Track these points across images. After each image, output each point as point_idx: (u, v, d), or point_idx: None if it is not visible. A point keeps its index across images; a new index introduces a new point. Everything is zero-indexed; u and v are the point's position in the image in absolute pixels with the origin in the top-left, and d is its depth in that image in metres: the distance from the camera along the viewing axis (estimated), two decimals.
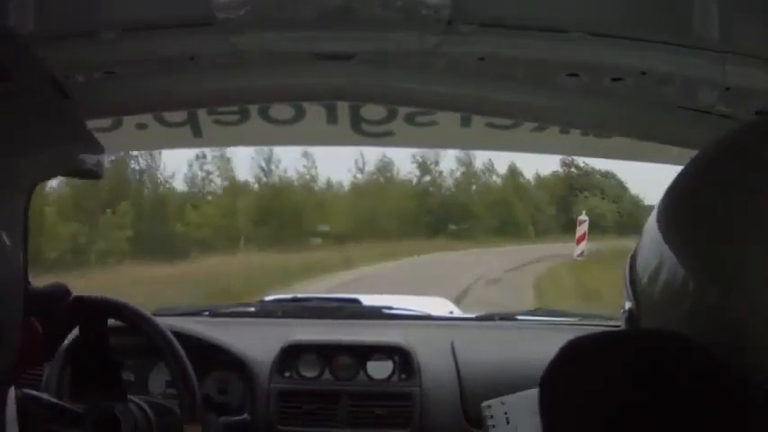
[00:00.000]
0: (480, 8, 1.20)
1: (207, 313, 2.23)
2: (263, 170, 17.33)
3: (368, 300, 2.40)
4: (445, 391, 1.93)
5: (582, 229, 13.59)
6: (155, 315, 1.70)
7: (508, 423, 1.16)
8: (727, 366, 0.56)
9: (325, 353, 1.96)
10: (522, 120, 1.70)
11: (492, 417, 1.22)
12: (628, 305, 0.72)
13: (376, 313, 2.29)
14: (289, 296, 2.55)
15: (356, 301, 2.37)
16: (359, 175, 18.32)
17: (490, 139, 1.88)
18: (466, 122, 1.80)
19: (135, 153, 13.91)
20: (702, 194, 0.65)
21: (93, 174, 0.86)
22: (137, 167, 15.50)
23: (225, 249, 14.01)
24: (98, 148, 0.84)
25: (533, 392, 0.60)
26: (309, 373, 1.95)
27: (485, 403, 1.25)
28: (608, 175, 18.17)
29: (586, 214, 14.23)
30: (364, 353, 1.96)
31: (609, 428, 0.56)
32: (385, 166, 18.08)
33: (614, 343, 0.62)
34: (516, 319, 2.32)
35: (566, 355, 0.61)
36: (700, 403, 0.55)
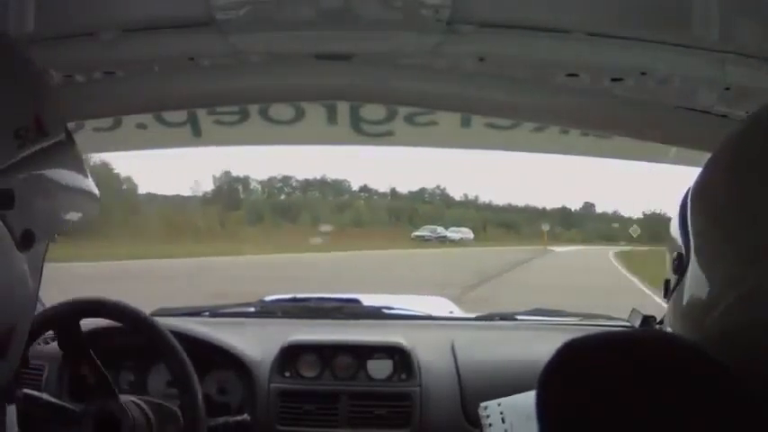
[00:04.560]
0: (480, 8, 1.20)
1: (207, 313, 2.23)
2: None
3: (368, 300, 2.40)
4: (445, 391, 1.93)
5: None
6: (154, 315, 1.70)
7: (503, 422, 1.17)
8: (724, 365, 0.56)
9: (325, 353, 1.96)
10: (522, 120, 1.69)
11: (488, 416, 1.23)
12: (673, 255, 0.70)
13: (376, 313, 2.29)
14: (288, 296, 2.54)
15: (356, 301, 2.37)
16: None
17: (490, 139, 1.88)
18: (466, 122, 1.80)
19: None
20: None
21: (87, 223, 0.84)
22: None
23: None
24: (95, 196, 0.83)
25: (529, 395, 0.60)
26: (309, 374, 1.94)
27: (482, 404, 1.26)
28: None
29: None
30: (364, 353, 1.96)
31: (607, 429, 0.56)
32: None
33: (611, 344, 0.62)
34: (516, 319, 2.32)
35: (563, 356, 0.61)
36: (697, 403, 0.55)
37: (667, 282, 0.73)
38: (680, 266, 0.68)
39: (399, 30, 1.23)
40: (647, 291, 13.79)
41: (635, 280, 16.88)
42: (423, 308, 2.44)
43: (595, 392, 0.57)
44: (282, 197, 35.88)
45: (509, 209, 40.20)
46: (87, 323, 1.87)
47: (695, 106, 1.32)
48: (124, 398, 1.57)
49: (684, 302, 0.67)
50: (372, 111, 1.79)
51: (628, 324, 2.11)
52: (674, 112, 1.35)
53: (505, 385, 1.47)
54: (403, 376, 1.94)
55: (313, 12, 1.19)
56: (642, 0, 1.20)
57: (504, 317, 2.34)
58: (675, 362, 0.57)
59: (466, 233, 31.92)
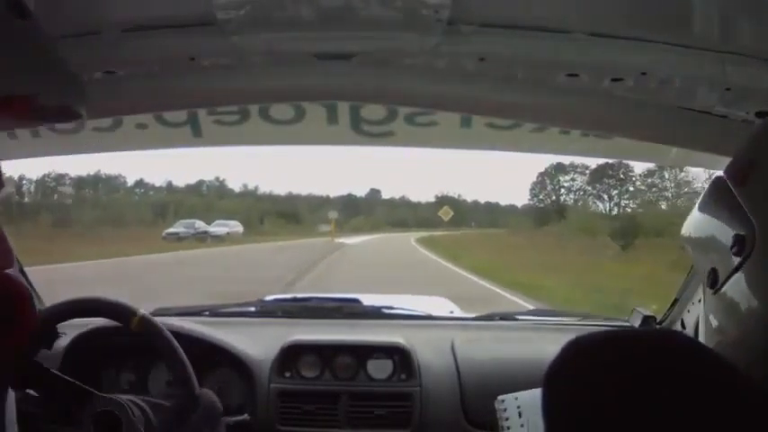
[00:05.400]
0: (480, 8, 1.20)
1: (207, 313, 2.23)
2: None
3: (368, 299, 2.40)
4: (445, 390, 1.93)
5: None
6: (154, 315, 1.70)
7: (521, 417, 1.18)
8: (728, 364, 0.56)
9: (326, 353, 1.96)
10: (522, 120, 1.70)
11: (506, 410, 1.23)
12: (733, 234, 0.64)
13: (376, 313, 2.29)
14: (289, 296, 2.55)
15: (356, 300, 2.37)
16: None
17: (490, 139, 1.88)
18: (466, 122, 1.80)
19: None
20: None
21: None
22: None
23: None
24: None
25: None
26: (309, 374, 1.94)
27: (499, 398, 1.26)
28: None
29: None
30: (364, 353, 1.96)
31: (610, 426, 0.56)
32: None
33: (614, 343, 0.62)
34: (516, 319, 2.33)
35: (567, 356, 0.61)
36: (701, 400, 0.55)
37: (715, 271, 0.68)
38: (742, 249, 0.63)
39: (399, 30, 1.23)
40: (491, 286, 12.37)
41: (458, 269, 15.38)
42: (423, 308, 2.44)
43: (598, 391, 0.57)
44: (56, 197, 31.96)
45: (291, 198, 38.20)
46: (87, 322, 1.87)
47: (695, 106, 1.32)
48: (124, 398, 1.57)
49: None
50: (372, 111, 1.80)
51: (627, 324, 2.11)
52: (674, 112, 1.35)
53: (506, 385, 1.47)
54: (403, 376, 1.94)
55: (313, 12, 1.19)
56: (642, 0, 1.20)
57: (504, 317, 2.34)
58: (676, 361, 0.57)
59: (234, 227, 27.84)
